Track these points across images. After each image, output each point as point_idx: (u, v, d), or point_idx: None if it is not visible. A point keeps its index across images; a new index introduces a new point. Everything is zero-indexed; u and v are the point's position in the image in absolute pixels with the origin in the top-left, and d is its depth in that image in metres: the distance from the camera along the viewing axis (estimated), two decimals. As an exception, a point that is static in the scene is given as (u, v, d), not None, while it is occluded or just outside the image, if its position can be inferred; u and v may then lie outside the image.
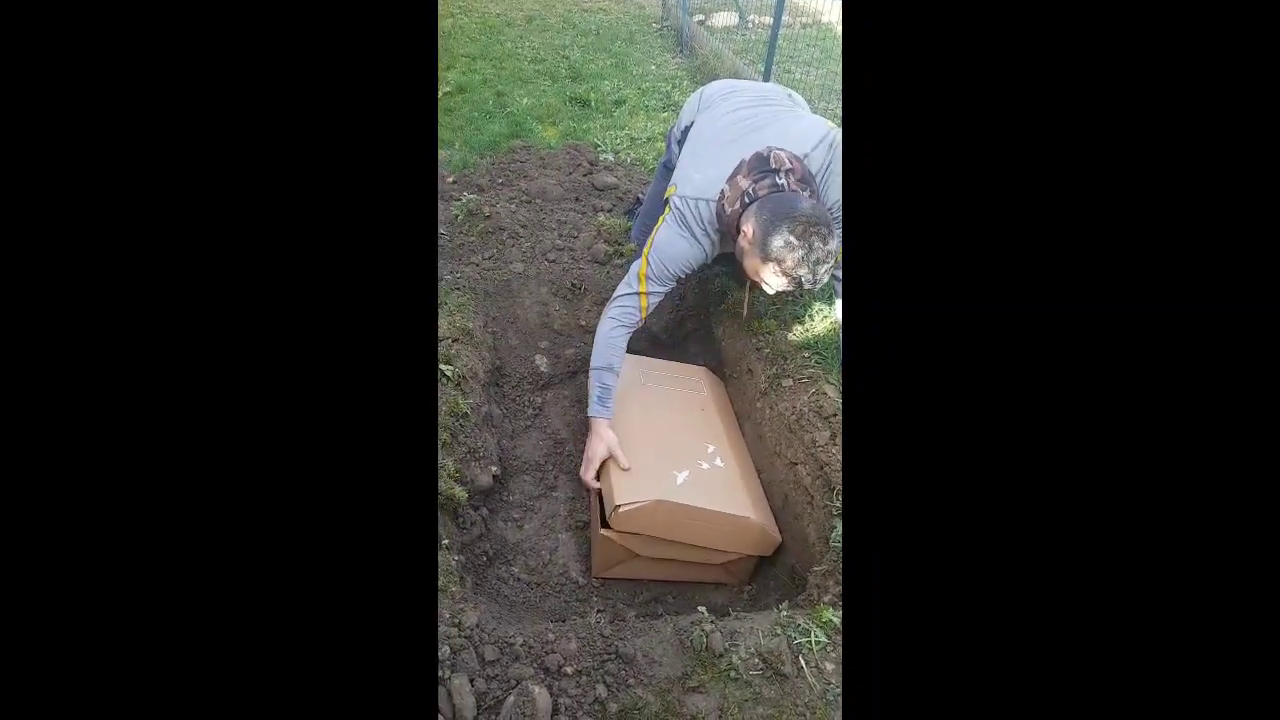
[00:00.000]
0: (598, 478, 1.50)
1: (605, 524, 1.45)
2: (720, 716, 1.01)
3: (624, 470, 1.46)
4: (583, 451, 1.58)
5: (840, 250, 1.33)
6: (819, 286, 1.33)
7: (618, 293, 1.51)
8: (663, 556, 1.50)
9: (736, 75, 3.20)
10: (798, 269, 1.25)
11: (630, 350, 1.98)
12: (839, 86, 3.16)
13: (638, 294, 1.47)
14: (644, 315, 1.50)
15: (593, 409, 1.51)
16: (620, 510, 1.40)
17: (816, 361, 1.65)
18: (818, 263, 1.25)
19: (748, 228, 1.31)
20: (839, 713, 1.01)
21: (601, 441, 1.49)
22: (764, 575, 1.55)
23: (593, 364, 1.51)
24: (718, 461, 1.54)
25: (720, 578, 1.55)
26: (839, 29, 4.13)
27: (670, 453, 1.52)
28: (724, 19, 4.54)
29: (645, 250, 1.48)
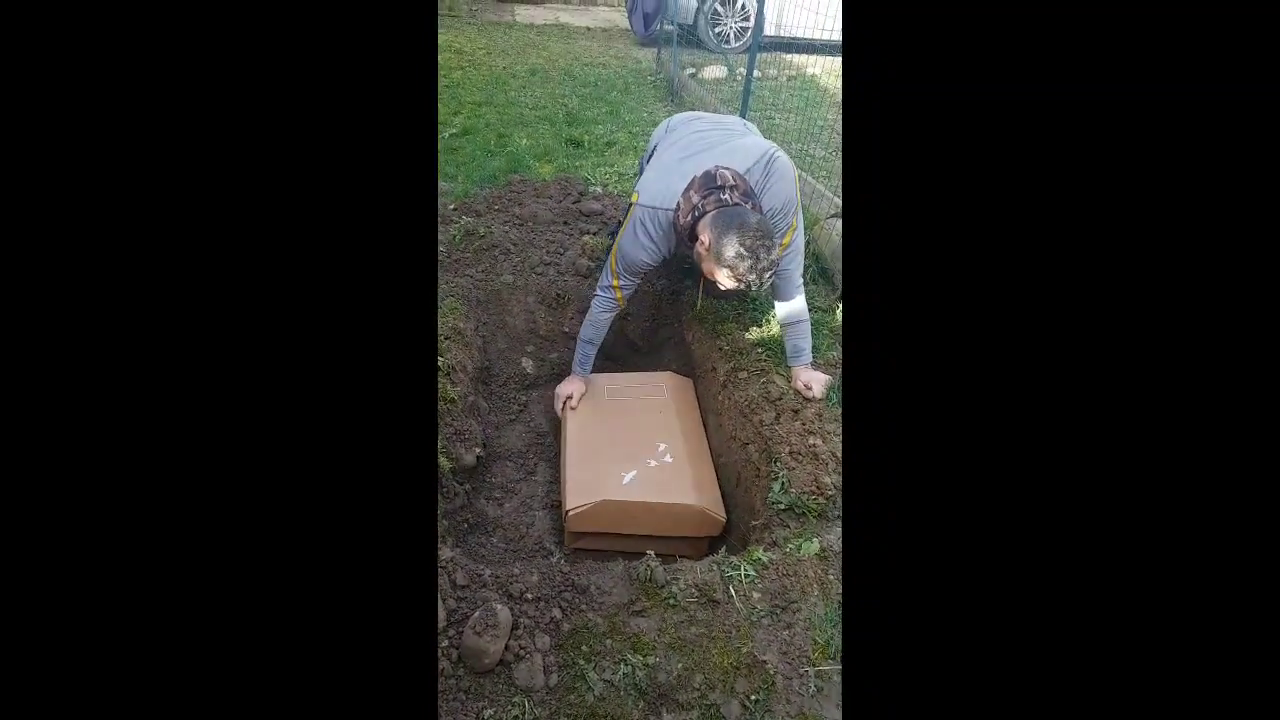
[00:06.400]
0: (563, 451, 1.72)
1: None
2: (659, 634, 1.16)
3: (572, 409, 1.88)
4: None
5: (779, 257, 1.58)
6: (765, 288, 1.59)
7: (600, 283, 1.81)
8: (626, 533, 1.67)
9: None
10: (747, 275, 1.50)
11: (609, 356, 2.18)
12: (814, 130, 3.44)
13: (612, 286, 1.77)
14: (622, 301, 1.80)
15: (575, 368, 1.93)
16: (571, 514, 1.62)
17: (766, 356, 1.83)
18: (763, 270, 1.50)
19: (705, 236, 1.53)
20: (760, 631, 1.16)
21: (572, 385, 1.92)
22: (719, 546, 1.69)
23: (581, 335, 1.87)
24: (666, 458, 1.75)
25: (680, 549, 1.70)
26: (823, 80, 4.46)
27: (621, 456, 1.74)
28: (713, 72, 4.90)
29: (613, 250, 1.74)
